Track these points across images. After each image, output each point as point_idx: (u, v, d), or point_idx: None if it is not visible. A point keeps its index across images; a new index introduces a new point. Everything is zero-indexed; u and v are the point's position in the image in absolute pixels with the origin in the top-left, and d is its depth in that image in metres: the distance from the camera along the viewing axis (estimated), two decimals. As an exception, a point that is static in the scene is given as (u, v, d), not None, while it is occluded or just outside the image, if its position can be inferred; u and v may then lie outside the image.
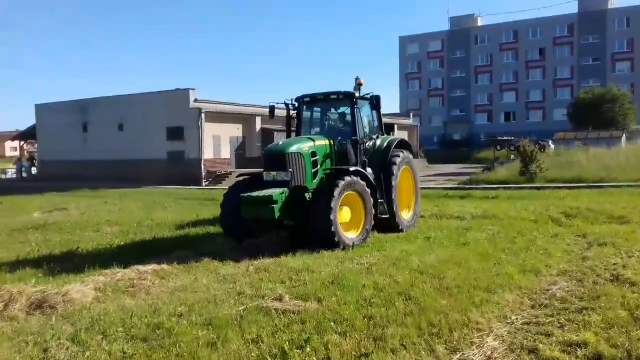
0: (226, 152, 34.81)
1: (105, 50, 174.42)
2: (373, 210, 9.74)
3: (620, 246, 8.67)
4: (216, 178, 32.06)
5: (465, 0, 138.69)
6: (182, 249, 9.51)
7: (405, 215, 11.31)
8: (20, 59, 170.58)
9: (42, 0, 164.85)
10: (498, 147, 36.94)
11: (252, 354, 4.57)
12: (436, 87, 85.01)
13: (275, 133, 31.76)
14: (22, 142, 51.77)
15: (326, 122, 11.38)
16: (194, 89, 32.50)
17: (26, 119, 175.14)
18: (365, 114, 10.94)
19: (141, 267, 7.87)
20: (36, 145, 46.03)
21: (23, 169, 43.05)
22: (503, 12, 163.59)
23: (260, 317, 5.46)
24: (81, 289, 6.62)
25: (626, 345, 4.57)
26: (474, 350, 4.62)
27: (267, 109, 11.17)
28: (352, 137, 10.30)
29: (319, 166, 9.85)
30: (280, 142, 10.09)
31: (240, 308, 5.75)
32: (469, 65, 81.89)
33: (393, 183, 10.54)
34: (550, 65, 76.43)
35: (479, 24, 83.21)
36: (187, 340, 4.83)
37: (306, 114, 11.37)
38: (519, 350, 4.60)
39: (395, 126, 44.70)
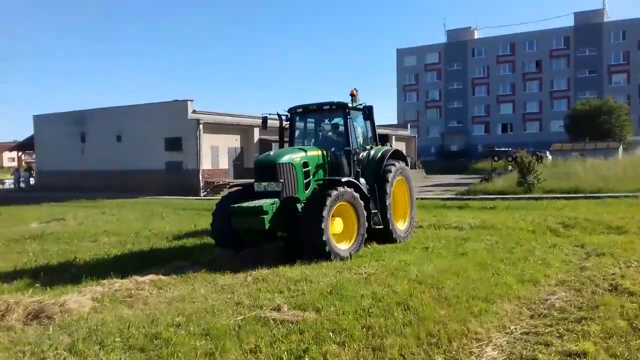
0: (224, 163, 34.86)
1: (103, 61, 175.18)
2: (367, 221, 9.64)
3: (619, 256, 8.68)
4: (214, 188, 32.04)
5: (462, 14, 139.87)
6: (180, 259, 9.50)
7: (400, 226, 11.22)
8: (18, 69, 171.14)
9: (41, 10, 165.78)
10: (495, 158, 37.10)
11: (251, 364, 4.55)
12: (433, 99, 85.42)
13: (273, 144, 31.73)
14: (20, 153, 51.79)
15: (320, 133, 11.31)
16: (192, 100, 32.61)
17: (24, 130, 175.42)
18: (359, 124, 10.90)
19: (139, 278, 7.86)
20: (34, 155, 46.03)
21: (21, 179, 43.00)
22: (500, 26, 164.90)
23: (259, 327, 5.44)
24: (78, 299, 6.60)
25: (625, 355, 4.57)
26: (473, 360, 4.61)
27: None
28: (346, 148, 10.22)
29: (311, 177, 9.74)
30: (272, 153, 10.00)
31: (238, 318, 5.73)
32: (466, 77, 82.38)
33: (387, 194, 10.44)
34: (547, 77, 76.93)
35: (476, 36, 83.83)
36: (185, 351, 4.80)
37: (300, 124, 11.33)
38: (518, 360, 4.59)
39: (393, 137, 44.78)
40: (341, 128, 10.72)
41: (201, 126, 31.94)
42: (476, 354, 4.73)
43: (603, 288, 6.80)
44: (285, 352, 4.73)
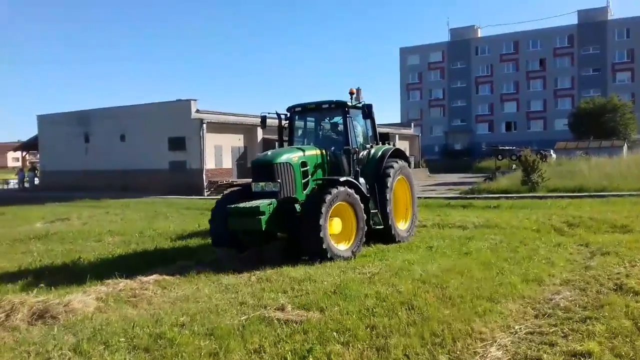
0: (228, 162, 34.89)
1: (107, 61, 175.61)
2: (367, 221, 9.54)
3: (624, 255, 8.64)
4: (218, 188, 32.06)
5: (465, 12, 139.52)
6: (184, 259, 9.51)
7: (401, 225, 11.10)
8: (22, 70, 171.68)
9: (45, 11, 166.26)
10: (499, 157, 36.91)
11: (255, 364, 4.56)
12: (437, 98, 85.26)
13: (276, 143, 31.79)
14: (24, 153, 52.11)
15: (319, 132, 11.20)
16: (195, 100, 32.63)
17: (28, 130, 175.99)
18: (359, 123, 10.79)
19: (143, 277, 7.87)
20: (38, 155, 46.19)
21: (25, 179, 43.18)
22: (503, 24, 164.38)
23: (263, 327, 5.44)
24: (83, 299, 6.62)
25: (631, 355, 4.54)
26: (477, 360, 4.60)
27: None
28: (345, 147, 10.12)
29: (309, 177, 9.66)
30: (269, 152, 9.91)
31: (242, 318, 5.73)
32: (470, 75, 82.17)
33: (387, 193, 10.32)
34: (550, 75, 76.65)
35: (479, 35, 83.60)
36: (190, 351, 4.81)
37: (299, 123, 11.24)
38: (522, 360, 4.58)
39: (397, 136, 44.72)
40: (341, 127, 10.62)
41: (205, 126, 31.97)
42: (480, 354, 4.72)
43: (608, 287, 6.77)
44: (290, 352, 4.73)
